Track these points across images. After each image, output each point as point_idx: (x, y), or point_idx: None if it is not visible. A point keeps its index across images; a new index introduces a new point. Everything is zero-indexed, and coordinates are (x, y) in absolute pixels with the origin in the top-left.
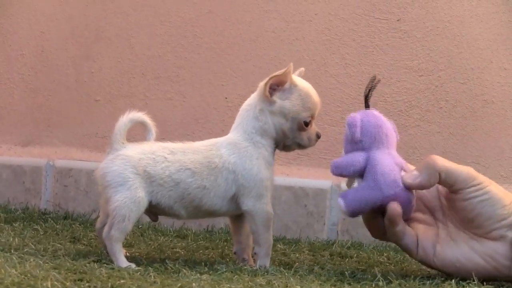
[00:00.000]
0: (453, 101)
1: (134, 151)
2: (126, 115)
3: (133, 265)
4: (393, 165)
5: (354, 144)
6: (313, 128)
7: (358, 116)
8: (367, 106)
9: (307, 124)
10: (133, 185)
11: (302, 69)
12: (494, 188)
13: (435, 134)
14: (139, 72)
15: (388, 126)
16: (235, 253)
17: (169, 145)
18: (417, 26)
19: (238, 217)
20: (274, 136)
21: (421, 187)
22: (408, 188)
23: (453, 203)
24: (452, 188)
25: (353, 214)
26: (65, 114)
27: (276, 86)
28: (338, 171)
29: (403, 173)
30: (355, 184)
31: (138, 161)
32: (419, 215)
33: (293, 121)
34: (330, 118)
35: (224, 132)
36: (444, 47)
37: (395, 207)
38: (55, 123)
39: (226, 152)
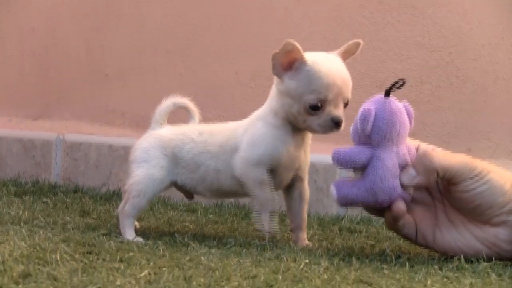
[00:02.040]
0: (464, 77)
1: (168, 132)
2: (170, 98)
3: (140, 239)
4: (396, 168)
5: (362, 137)
6: (328, 112)
7: (372, 109)
8: (387, 94)
9: (315, 108)
10: (158, 164)
11: (358, 41)
12: (493, 175)
13: (446, 110)
14: (149, 46)
15: (403, 119)
16: (290, 230)
17: (201, 126)
18: (428, 2)
19: (287, 196)
20: (285, 117)
21: (419, 186)
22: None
23: (452, 194)
24: (450, 182)
25: (343, 206)
26: (75, 89)
27: (292, 64)
28: (339, 164)
29: (402, 171)
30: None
31: (168, 142)
32: (416, 194)
33: (299, 103)
34: None
35: (234, 107)
36: (455, 23)
37: (400, 207)
38: (65, 98)
39: (241, 132)
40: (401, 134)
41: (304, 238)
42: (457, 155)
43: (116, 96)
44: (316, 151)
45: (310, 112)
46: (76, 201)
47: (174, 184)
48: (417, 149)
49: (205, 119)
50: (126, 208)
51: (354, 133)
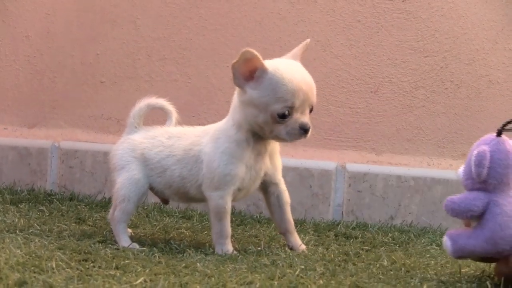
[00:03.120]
0: (458, 82)
1: (140, 135)
2: (143, 100)
3: (136, 245)
4: None
5: (477, 182)
6: (295, 119)
7: (487, 151)
8: (499, 134)
9: (283, 116)
10: (131, 167)
11: (307, 40)
12: None
13: (440, 115)
14: (144, 53)
15: None
16: (281, 233)
17: (172, 129)
18: (422, 7)
19: (267, 201)
20: (249, 128)
21: None
22: None
23: None
24: None
25: (458, 258)
26: (70, 96)
27: (253, 73)
28: (454, 214)
29: None
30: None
31: (138, 145)
32: None
33: (266, 113)
34: (335, 99)
35: (228, 113)
36: (449, 27)
37: None
38: (60, 105)
39: (205, 140)
40: None
41: (299, 242)
42: None
43: (111, 103)
44: (312, 158)
45: (278, 121)
46: (72, 209)
47: (150, 188)
48: None
49: (200, 125)
50: (116, 214)
51: (467, 176)
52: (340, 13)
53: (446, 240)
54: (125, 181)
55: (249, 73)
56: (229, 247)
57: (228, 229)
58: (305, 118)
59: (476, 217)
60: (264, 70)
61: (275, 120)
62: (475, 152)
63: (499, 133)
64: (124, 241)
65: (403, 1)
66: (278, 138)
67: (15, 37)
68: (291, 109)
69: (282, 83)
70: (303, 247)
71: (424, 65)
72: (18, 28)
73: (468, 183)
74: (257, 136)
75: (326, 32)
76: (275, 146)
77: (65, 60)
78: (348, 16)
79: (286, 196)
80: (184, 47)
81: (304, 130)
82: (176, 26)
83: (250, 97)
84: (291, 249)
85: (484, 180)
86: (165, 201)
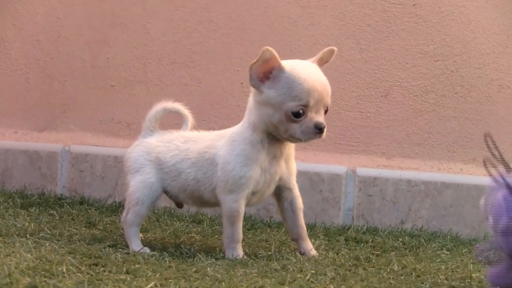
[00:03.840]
0: (469, 86)
1: (156, 139)
2: (160, 103)
3: (147, 249)
4: None
5: None
6: (310, 118)
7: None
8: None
9: (298, 115)
10: (145, 170)
11: (332, 48)
12: None
13: (451, 119)
14: (154, 57)
15: None
16: (293, 240)
17: (188, 134)
18: (432, 11)
19: (279, 207)
20: (265, 129)
21: None
22: None
23: None
24: None
25: None
26: (81, 100)
27: (270, 73)
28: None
29: None
30: None
31: (153, 148)
32: None
33: (281, 111)
34: (346, 103)
35: (239, 117)
36: (460, 32)
37: None
38: (71, 109)
39: (221, 143)
40: None
41: (310, 247)
42: None
43: (121, 107)
44: (322, 162)
45: (293, 120)
46: (82, 213)
47: (165, 192)
48: None
49: (210, 129)
50: (129, 217)
51: (496, 232)
52: (351, 17)
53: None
54: (139, 184)
55: (264, 74)
56: (240, 252)
57: (240, 234)
58: (320, 117)
59: None
60: (281, 70)
61: (290, 119)
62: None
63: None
64: (135, 244)
65: (413, 5)
66: (293, 137)
67: (26, 41)
68: (306, 108)
69: (298, 82)
70: (314, 252)
71: (434, 69)
72: (29, 31)
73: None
74: (272, 137)
75: (337, 36)
76: (290, 150)
77: (75, 64)
78: (358, 20)
79: (300, 202)
80: (195, 51)
81: (319, 129)
82: (187, 30)
83: (267, 96)
84: (302, 254)
85: None
86: (180, 205)
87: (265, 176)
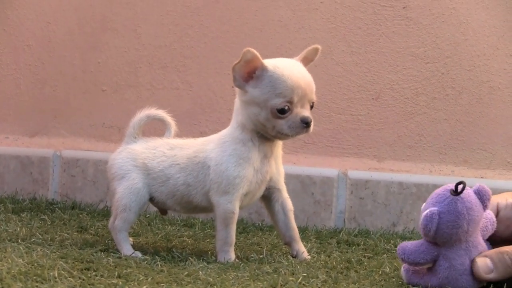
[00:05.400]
0: (460, 88)
1: (141, 146)
2: (143, 111)
3: (139, 253)
4: (465, 265)
5: (427, 238)
6: (296, 114)
7: (436, 213)
8: (455, 193)
9: (283, 111)
10: (131, 176)
11: (316, 46)
12: None
13: (442, 121)
14: (145, 62)
15: (473, 215)
16: (286, 244)
17: (173, 141)
18: (423, 13)
19: (269, 210)
20: (253, 128)
21: (493, 281)
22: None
23: None
24: None
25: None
26: (72, 105)
27: (253, 73)
28: (403, 261)
29: (478, 260)
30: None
31: (139, 154)
32: None
33: (266, 109)
34: (337, 106)
35: (230, 121)
36: (450, 34)
37: None
38: (62, 114)
39: (210, 147)
40: (469, 231)
41: (302, 249)
42: None
43: (113, 112)
44: (314, 165)
45: (278, 116)
46: (74, 218)
47: (150, 199)
48: (498, 207)
49: (201, 133)
50: (117, 223)
51: (421, 230)
52: (341, 20)
53: (402, 271)
54: (126, 190)
55: (247, 74)
56: (232, 255)
57: (233, 237)
58: (305, 112)
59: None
60: (264, 69)
61: (275, 115)
62: (424, 213)
63: (453, 192)
64: (126, 249)
65: (404, 8)
66: (280, 134)
67: (16, 46)
68: (291, 104)
69: (281, 79)
70: (307, 255)
71: (425, 71)
72: (19, 37)
73: (422, 234)
74: (261, 136)
75: (327, 39)
76: (279, 150)
77: (66, 68)
78: (349, 23)
79: (290, 204)
80: (186, 55)
81: (305, 123)
82: (178, 34)
83: (251, 95)
84: (294, 257)
85: (433, 237)
86: (164, 212)
87: (257, 176)
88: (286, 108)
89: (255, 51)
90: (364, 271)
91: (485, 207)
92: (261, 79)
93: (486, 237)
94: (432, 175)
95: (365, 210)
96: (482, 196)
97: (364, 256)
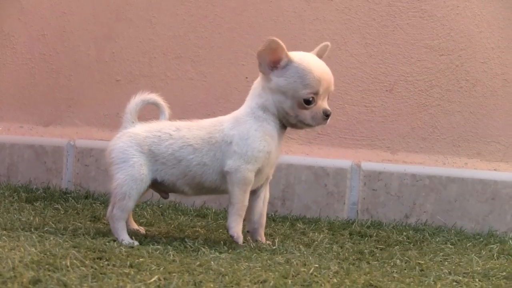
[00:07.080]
0: (473, 81)
1: (142, 129)
2: (138, 96)
3: (136, 242)
4: None
5: None
6: (319, 105)
7: None
8: None
9: (308, 102)
10: (137, 162)
11: (327, 43)
12: None
13: (455, 114)
14: (160, 52)
15: None
16: (248, 231)
17: (177, 122)
18: (437, 5)
19: (253, 196)
20: (276, 113)
21: None
22: None
23: None
24: None
25: None
26: (86, 94)
27: (277, 63)
28: None
29: None
30: None
31: (143, 139)
32: None
33: (293, 99)
34: (351, 97)
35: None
36: (465, 26)
37: None
38: (76, 103)
39: (227, 126)
40: None
41: (263, 236)
42: None
43: (126, 102)
44: (327, 156)
45: (304, 106)
46: (87, 207)
47: (152, 183)
48: None
49: None
50: (115, 212)
51: None
52: (356, 11)
53: None
54: (126, 178)
55: (273, 63)
56: (240, 233)
57: (246, 206)
58: (326, 104)
59: None
60: (289, 59)
61: (301, 105)
62: None
63: None
64: (124, 239)
65: None
66: (302, 123)
67: (31, 36)
68: (316, 95)
69: (309, 71)
70: (265, 240)
71: (439, 63)
72: (34, 26)
73: None
74: (279, 123)
75: (342, 31)
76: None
77: (80, 58)
78: (363, 14)
79: (268, 193)
80: (200, 45)
81: (326, 115)
82: (192, 24)
83: (277, 84)
84: (257, 241)
85: None
86: (166, 195)
87: (275, 154)
88: (311, 99)
89: (279, 41)
90: (376, 262)
91: None
92: (286, 69)
93: None
94: (446, 167)
95: (378, 201)
96: None
97: (377, 248)
